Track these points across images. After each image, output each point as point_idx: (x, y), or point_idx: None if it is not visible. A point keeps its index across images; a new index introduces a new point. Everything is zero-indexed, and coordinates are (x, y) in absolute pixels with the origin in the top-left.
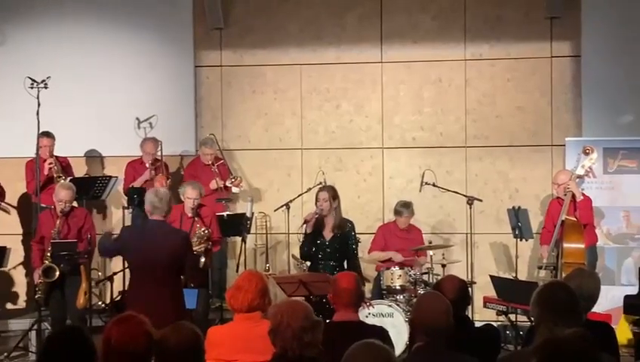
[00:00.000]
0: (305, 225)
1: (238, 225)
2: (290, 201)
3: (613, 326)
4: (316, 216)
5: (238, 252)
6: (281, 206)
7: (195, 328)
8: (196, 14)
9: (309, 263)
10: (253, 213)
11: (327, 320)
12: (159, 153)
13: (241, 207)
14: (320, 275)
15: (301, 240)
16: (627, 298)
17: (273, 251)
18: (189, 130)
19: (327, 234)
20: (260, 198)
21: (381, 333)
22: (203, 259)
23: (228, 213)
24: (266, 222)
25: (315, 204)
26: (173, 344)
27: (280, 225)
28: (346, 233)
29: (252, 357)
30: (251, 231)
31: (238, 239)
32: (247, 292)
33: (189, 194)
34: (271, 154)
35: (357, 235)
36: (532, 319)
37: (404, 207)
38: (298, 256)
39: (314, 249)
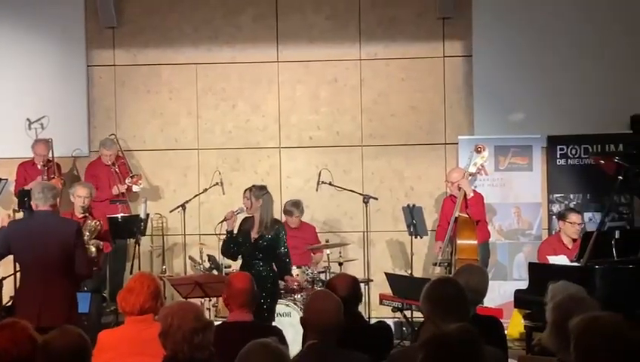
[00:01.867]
0: (224, 223)
1: (132, 227)
2: (186, 202)
3: (506, 321)
4: (237, 214)
5: (132, 254)
6: (177, 207)
7: (82, 332)
8: (88, 13)
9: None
10: (148, 215)
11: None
12: (51, 154)
13: (136, 209)
14: (215, 276)
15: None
16: (517, 292)
17: (170, 253)
18: (82, 130)
19: (254, 234)
20: (156, 199)
21: (276, 333)
22: (94, 249)
23: (122, 214)
24: (162, 223)
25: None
26: (58, 348)
27: (176, 226)
28: (273, 234)
29: (143, 360)
30: (147, 233)
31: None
32: (138, 294)
33: (80, 193)
34: (167, 154)
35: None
36: None
37: (295, 207)
38: (195, 258)
39: (242, 248)
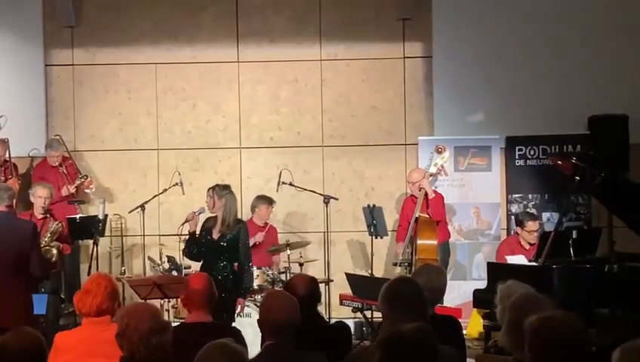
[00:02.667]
0: (186, 224)
1: (90, 227)
2: (146, 203)
3: (466, 320)
4: (198, 214)
5: (90, 255)
6: (136, 207)
7: (38, 333)
8: (46, 11)
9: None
10: (106, 215)
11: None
12: (8, 154)
13: (95, 210)
14: (175, 277)
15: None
16: (476, 292)
17: (129, 254)
18: (40, 130)
19: (216, 234)
20: (115, 200)
21: (234, 334)
22: (55, 252)
23: (80, 215)
24: (121, 224)
25: None
26: (14, 350)
27: (136, 226)
28: (235, 234)
29: (101, 361)
30: (106, 234)
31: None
32: (95, 295)
33: (40, 193)
34: (125, 154)
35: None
36: None
37: (262, 198)
38: (155, 259)
39: (203, 248)
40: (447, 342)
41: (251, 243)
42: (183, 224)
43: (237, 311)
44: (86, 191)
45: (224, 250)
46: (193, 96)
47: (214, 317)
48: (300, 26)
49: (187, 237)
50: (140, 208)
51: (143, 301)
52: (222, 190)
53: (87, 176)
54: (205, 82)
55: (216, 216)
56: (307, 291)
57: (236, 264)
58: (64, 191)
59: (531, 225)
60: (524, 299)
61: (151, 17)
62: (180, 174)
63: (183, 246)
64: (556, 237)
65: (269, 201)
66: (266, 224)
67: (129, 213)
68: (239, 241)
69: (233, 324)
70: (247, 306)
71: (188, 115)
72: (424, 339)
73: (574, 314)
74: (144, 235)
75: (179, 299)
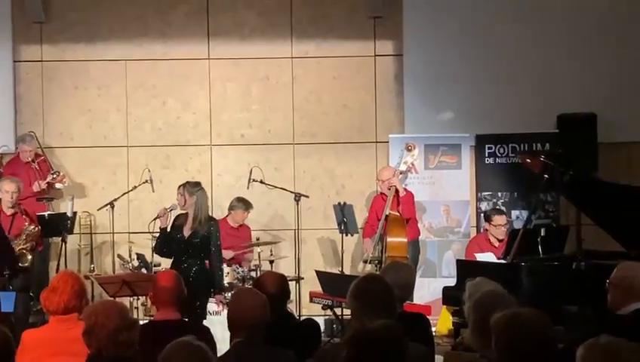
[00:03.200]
0: (157, 220)
1: (59, 225)
2: (115, 200)
3: (435, 318)
4: (169, 211)
5: (59, 253)
6: (105, 205)
7: (6, 330)
8: (15, 7)
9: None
10: (75, 213)
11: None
12: None
13: (65, 207)
14: (144, 275)
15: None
16: (445, 289)
17: (98, 251)
18: (8, 126)
19: (187, 231)
20: (84, 197)
21: (203, 331)
22: (30, 257)
23: (49, 212)
24: (90, 221)
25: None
26: None
27: (105, 224)
28: (206, 231)
29: (68, 359)
30: (75, 231)
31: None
32: (62, 293)
33: (7, 188)
34: (95, 151)
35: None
36: None
37: (240, 201)
38: (124, 256)
39: (174, 246)
40: (415, 338)
41: (35, 188)
42: (154, 220)
43: (217, 309)
44: (58, 186)
45: (195, 247)
46: (163, 93)
47: (183, 315)
48: (271, 23)
49: (158, 233)
50: (109, 205)
51: (111, 298)
52: (193, 187)
53: (59, 172)
54: (176, 79)
55: (187, 213)
56: (276, 289)
57: (207, 261)
58: (35, 187)
59: (498, 219)
60: (490, 296)
61: (121, 14)
62: (149, 171)
63: (153, 243)
64: (525, 235)
65: (246, 206)
66: (241, 225)
67: (98, 210)
68: (211, 239)
69: (203, 322)
70: (218, 304)
71: (158, 111)
72: (392, 336)
73: (540, 311)
74: (113, 233)
75: (148, 297)
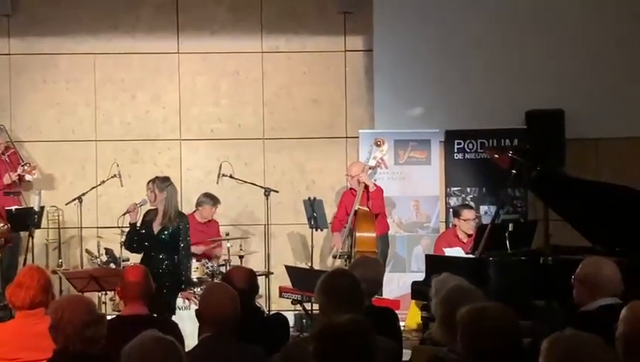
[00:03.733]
0: (127, 215)
1: (26, 219)
2: (83, 194)
3: (405, 312)
4: (140, 206)
5: (26, 247)
6: (73, 199)
7: None
8: None
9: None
10: (42, 207)
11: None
12: None
13: (33, 201)
14: (112, 270)
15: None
16: (414, 284)
17: (66, 246)
18: None
19: (156, 226)
20: (52, 191)
21: (171, 326)
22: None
23: (16, 207)
24: (58, 216)
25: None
26: None
27: (73, 218)
28: (176, 227)
29: (34, 355)
30: (43, 226)
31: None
32: (28, 288)
33: None
34: (63, 145)
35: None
36: None
37: (208, 197)
38: (92, 251)
39: (143, 241)
40: (383, 333)
41: (6, 180)
42: (123, 215)
43: (185, 305)
44: (28, 178)
45: (165, 243)
46: (132, 87)
47: (152, 310)
48: (240, 17)
49: (128, 228)
50: (77, 200)
51: (77, 293)
52: (162, 182)
53: (29, 163)
54: (145, 73)
55: (156, 209)
56: (245, 283)
57: (176, 257)
58: (6, 179)
59: (467, 213)
60: (456, 291)
61: (90, 7)
62: (118, 166)
63: (122, 238)
64: (493, 230)
65: (213, 202)
66: (209, 221)
67: (66, 204)
68: (180, 235)
69: (172, 317)
70: (187, 299)
71: (127, 106)
72: (359, 331)
73: (505, 305)
74: (81, 227)
75: (116, 292)
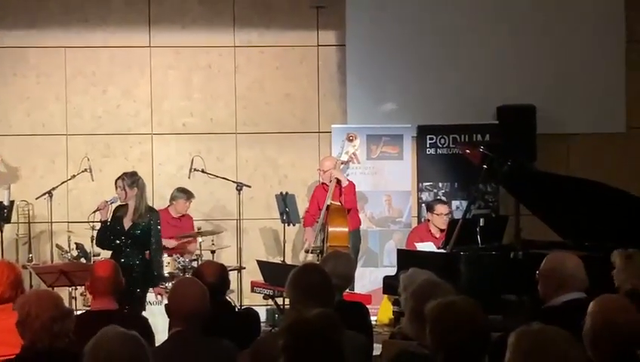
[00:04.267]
0: (97, 213)
1: None
2: (53, 189)
3: (376, 307)
4: (110, 204)
5: None
6: (44, 194)
7: None
8: None
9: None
10: (12, 201)
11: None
12: None
13: (2, 195)
14: (82, 264)
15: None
16: (386, 278)
17: (37, 241)
18: None
19: (127, 222)
20: (22, 186)
21: (140, 321)
22: None
23: None
24: (28, 210)
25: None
26: None
27: (44, 213)
28: (147, 222)
29: (3, 350)
30: (13, 221)
31: None
32: None
33: None
34: (33, 139)
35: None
36: None
37: (181, 192)
38: (63, 246)
39: (112, 237)
40: (354, 327)
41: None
42: (93, 212)
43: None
44: None
45: (136, 238)
46: (103, 81)
47: (122, 305)
48: (213, 11)
49: (99, 226)
50: (47, 194)
51: (46, 288)
52: (131, 178)
53: None
54: (116, 67)
55: (127, 205)
56: (215, 278)
57: (147, 252)
58: None
59: (441, 208)
60: (425, 285)
61: (61, 0)
62: (89, 160)
63: (94, 234)
64: (464, 225)
65: (187, 196)
66: (183, 215)
67: (36, 199)
68: (151, 230)
69: (143, 312)
70: (159, 294)
71: (98, 99)
72: (328, 325)
73: (473, 299)
74: (52, 222)
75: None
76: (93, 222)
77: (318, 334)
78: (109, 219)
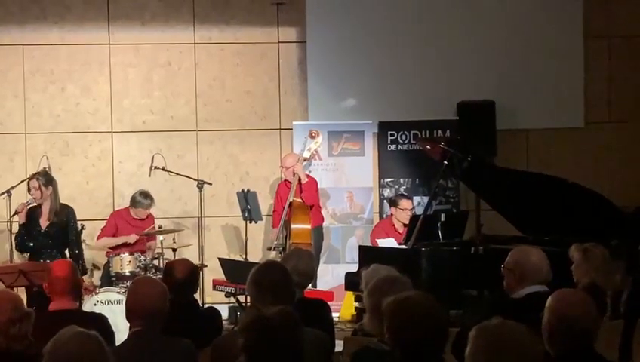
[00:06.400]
0: (17, 216)
1: None
2: (12, 188)
3: (339, 303)
4: (28, 206)
5: None
6: (2, 193)
7: None
8: None
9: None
10: None
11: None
12: None
13: None
14: (41, 264)
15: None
16: (348, 275)
17: None
18: None
19: (44, 222)
20: None
21: (99, 320)
22: None
23: None
24: None
25: (29, 192)
26: None
27: (2, 212)
28: (63, 220)
29: None
30: None
31: None
32: None
33: None
34: None
35: (79, 222)
36: None
37: (143, 197)
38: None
39: (31, 239)
40: (315, 324)
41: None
42: (12, 216)
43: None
44: None
45: (55, 237)
46: (62, 79)
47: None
48: (172, 7)
49: (17, 230)
50: (6, 193)
51: (3, 289)
52: (45, 177)
53: None
54: (75, 64)
55: (40, 205)
56: (185, 276)
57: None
58: None
59: (405, 203)
60: (383, 281)
61: None
62: (48, 159)
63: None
64: (425, 221)
65: (150, 203)
66: (147, 216)
67: None
68: (68, 226)
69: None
70: (119, 293)
71: (57, 97)
72: (286, 323)
73: (430, 294)
74: (10, 221)
75: (44, 287)
76: (13, 220)
77: (277, 332)
78: (23, 222)
